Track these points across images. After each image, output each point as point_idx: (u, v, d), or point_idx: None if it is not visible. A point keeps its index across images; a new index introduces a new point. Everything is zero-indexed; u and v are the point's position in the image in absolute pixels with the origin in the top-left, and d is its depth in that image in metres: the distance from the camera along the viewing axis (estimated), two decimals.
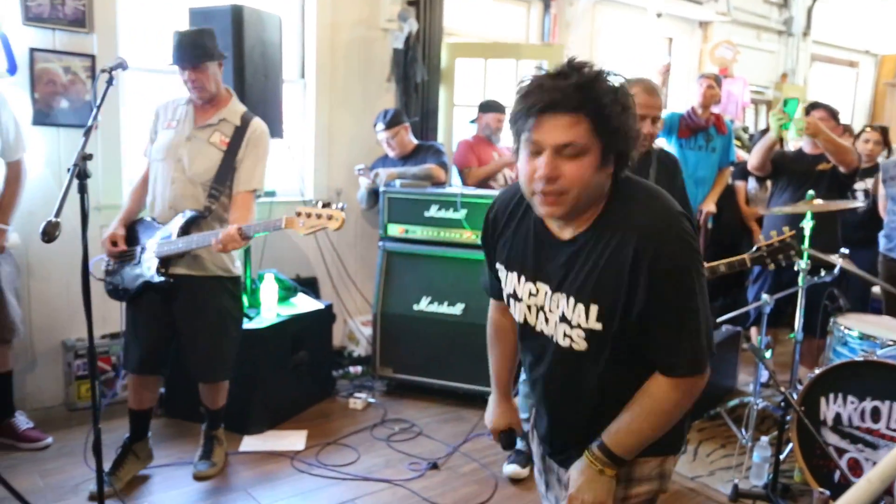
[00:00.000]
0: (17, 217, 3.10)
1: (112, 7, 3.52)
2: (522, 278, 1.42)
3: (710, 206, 4.54)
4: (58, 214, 2.03)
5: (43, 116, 3.37)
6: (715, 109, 4.67)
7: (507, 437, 1.68)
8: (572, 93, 1.21)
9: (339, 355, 4.20)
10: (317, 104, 4.26)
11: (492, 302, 1.66)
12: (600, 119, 1.22)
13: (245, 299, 3.52)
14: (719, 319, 3.66)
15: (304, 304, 3.73)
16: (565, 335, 1.36)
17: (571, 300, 1.33)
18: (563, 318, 1.35)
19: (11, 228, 3.07)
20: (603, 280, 1.29)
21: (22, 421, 3.15)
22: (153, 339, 2.77)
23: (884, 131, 4.41)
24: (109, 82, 2.38)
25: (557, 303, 1.36)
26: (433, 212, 3.78)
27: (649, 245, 1.24)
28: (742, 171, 4.87)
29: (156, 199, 2.79)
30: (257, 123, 2.81)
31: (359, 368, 4.10)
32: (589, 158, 1.24)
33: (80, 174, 2.14)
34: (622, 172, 1.31)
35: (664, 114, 4.49)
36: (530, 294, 1.41)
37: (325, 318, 3.79)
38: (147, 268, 2.70)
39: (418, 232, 3.81)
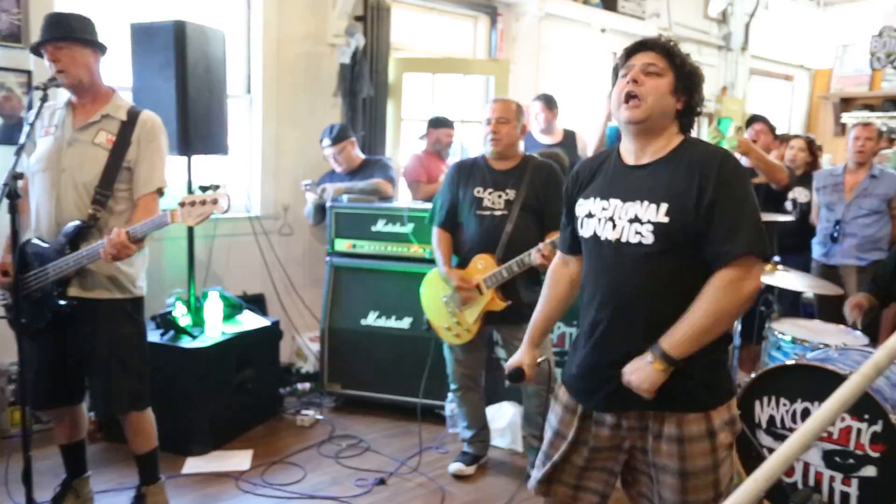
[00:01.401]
0: None
1: None
2: (598, 199, 1.73)
3: None
4: None
5: None
6: None
7: (514, 372, 1.95)
8: (657, 42, 1.73)
9: (287, 372, 4.16)
10: (263, 119, 4.23)
11: (558, 257, 1.98)
12: (674, 58, 1.69)
13: (189, 318, 3.47)
14: None
15: (250, 321, 3.68)
16: (636, 232, 1.62)
17: (645, 202, 1.63)
18: (635, 219, 1.64)
19: None
20: (674, 185, 1.62)
21: None
22: (52, 370, 2.49)
23: (809, 141, 4.61)
24: (44, 99, 2.31)
25: (627, 210, 1.65)
26: (380, 226, 3.79)
27: (717, 160, 1.61)
28: None
29: (40, 216, 2.47)
30: (147, 116, 2.52)
31: (307, 385, 4.06)
32: (665, 80, 1.66)
33: (11, 194, 2.07)
34: (689, 120, 1.72)
35: (609, 125, 4.62)
36: (602, 209, 1.70)
37: (271, 334, 3.75)
38: (47, 294, 2.42)
39: (366, 246, 3.82)
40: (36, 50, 2.46)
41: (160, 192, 2.53)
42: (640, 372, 1.60)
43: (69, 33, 2.40)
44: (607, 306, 1.69)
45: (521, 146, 3.10)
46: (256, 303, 4.03)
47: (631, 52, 1.72)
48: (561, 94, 4.92)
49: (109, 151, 2.43)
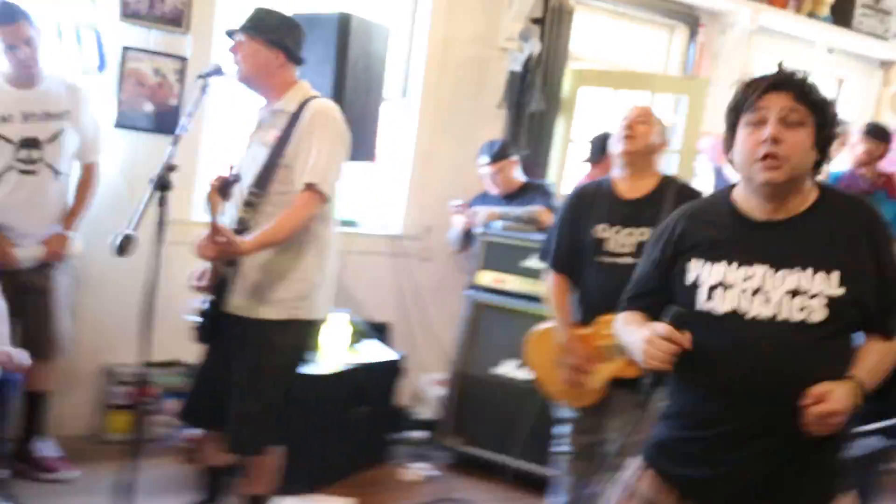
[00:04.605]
0: (83, 223, 3.13)
1: (211, 8, 3.57)
2: (735, 264, 1.63)
3: None
4: (136, 228, 2.06)
5: (126, 119, 3.44)
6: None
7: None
8: (793, 79, 1.61)
9: (398, 416, 3.95)
10: (418, 127, 4.18)
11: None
12: (814, 101, 1.59)
13: None
14: (871, 427, 3.19)
15: (372, 352, 3.61)
16: (802, 308, 1.56)
17: (809, 271, 1.57)
18: (797, 292, 1.56)
19: (78, 236, 3.10)
20: (839, 249, 1.58)
21: (49, 448, 3.12)
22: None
23: None
24: (204, 89, 2.39)
25: (783, 279, 1.58)
26: (533, 262, 3.53)
27: (871, 219, 1.62)
28: None
29: None
30: (315, 103, 2.44)
31: (423, 434, 3.87)
32: (806, 130, 1.57)
33: (164, 184, 2.14)
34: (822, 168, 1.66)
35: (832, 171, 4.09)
36: (745, 279, 1.60)
37: (392, 370, 3.66)
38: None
39: (514, 283, 3.60)
40: (230, 35, 2.53)
41: (315, 191, 2.35)
42: (839, 392, 1.51)
43: (248, 28, 2.45)
44: (740, 400, 1.59)
45: (659, 163, 2.66)
46: (380, 332, 3.91)
47: (759, 90, 1.59)
48: None
49: (271, 149, 2.43)
